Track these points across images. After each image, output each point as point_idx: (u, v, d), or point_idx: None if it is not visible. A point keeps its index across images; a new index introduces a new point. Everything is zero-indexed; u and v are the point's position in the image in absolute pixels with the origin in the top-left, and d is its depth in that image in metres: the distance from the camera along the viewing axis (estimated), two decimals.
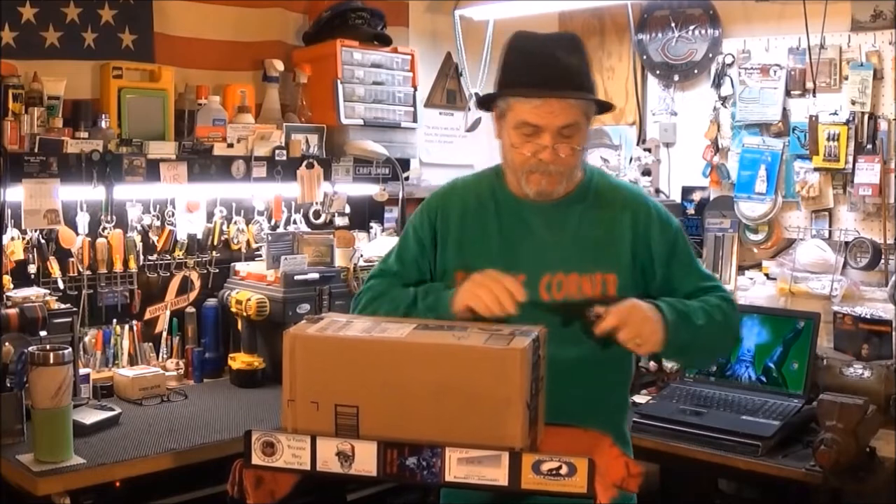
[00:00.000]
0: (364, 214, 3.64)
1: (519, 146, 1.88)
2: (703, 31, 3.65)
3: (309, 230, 3.42)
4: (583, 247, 1.93)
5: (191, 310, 3.21)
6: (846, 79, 3.26)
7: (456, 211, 2.01)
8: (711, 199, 3.65)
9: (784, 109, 3.42)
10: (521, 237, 1.96)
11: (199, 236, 3.22)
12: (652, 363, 3.12)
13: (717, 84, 3.60)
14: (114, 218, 2.98)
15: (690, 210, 3.71)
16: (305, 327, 1.69)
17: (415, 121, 3.64)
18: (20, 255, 2.81)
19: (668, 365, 3.08)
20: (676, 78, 3.74)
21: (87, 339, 2.94)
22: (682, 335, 1.84)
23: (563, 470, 1.53)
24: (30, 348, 2.36)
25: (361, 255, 3.27)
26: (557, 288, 1.91)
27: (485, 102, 1.99)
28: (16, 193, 2.71)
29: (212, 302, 3.21)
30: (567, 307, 1.88)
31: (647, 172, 3.76)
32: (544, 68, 1.84)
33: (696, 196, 3.71)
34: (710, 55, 3.62)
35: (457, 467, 1.56)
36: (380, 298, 1.99)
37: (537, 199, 1.93)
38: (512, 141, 1.89)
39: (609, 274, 1.92)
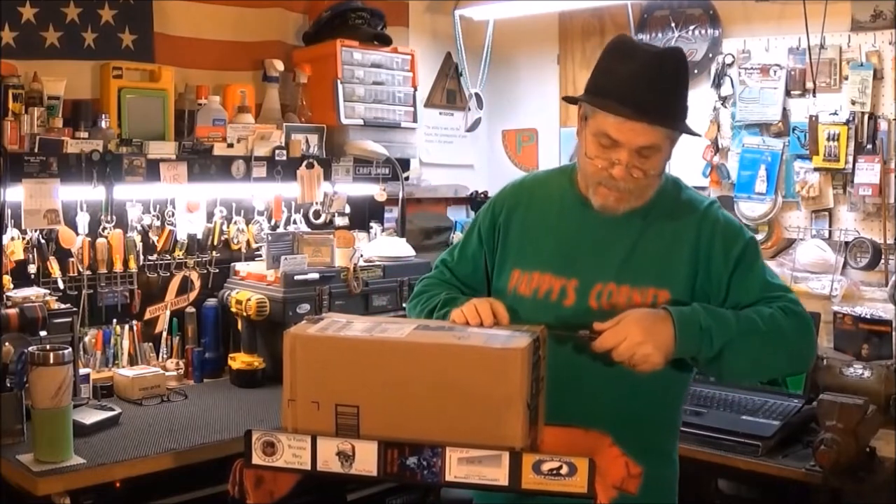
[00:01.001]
0: (364, 214, 3.64)
1: (594, 156, 1.81)
2: (703, 31, 3.64)
3: (309, 230, 3.42)
4: (639, 260, 1.87)
5: (191, 310, 3.21)
6: (846, 79, 3.26)
7: (521, 207, 1.98)
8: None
9: (784, 109, 3.42)
10: (579, 242, 1.91)
11: (199, 236, 3.22)
12: None
13: (717, 84, 3.60)
14: (114, 218, 2.99)
15: None
16: (306, 327, 1.69)
17: (415, 121, 3.64)
18: (20, 255, 2.81)
19: None
20: None
21: (87, 339, 2.94)
22: (702, 344, 1.74)
23: (564, 470, 1.53)
24: (30, 348, 2.36)
25: (361, 255, 3.28)
26: (608, 298, 1.85)
27: (573, 99, 1.91)
28: (16, 193, 2.72)
29: (212, 302, 3.21)
30: (613, 317, 1.79)
31: None
32: (639, 89, 1.74)
33: None
34: (710, 55, 3.62)
35: (457, 467, 1.56)
36: (417, 297, 2.04)
37: (601, 211, 1.87)
38: (588, 149, 1.82)
39: (662, 290, 1.84)
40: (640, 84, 1.75)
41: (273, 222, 3.40)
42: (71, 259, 2.93)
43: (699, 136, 1.94)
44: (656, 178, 1.84)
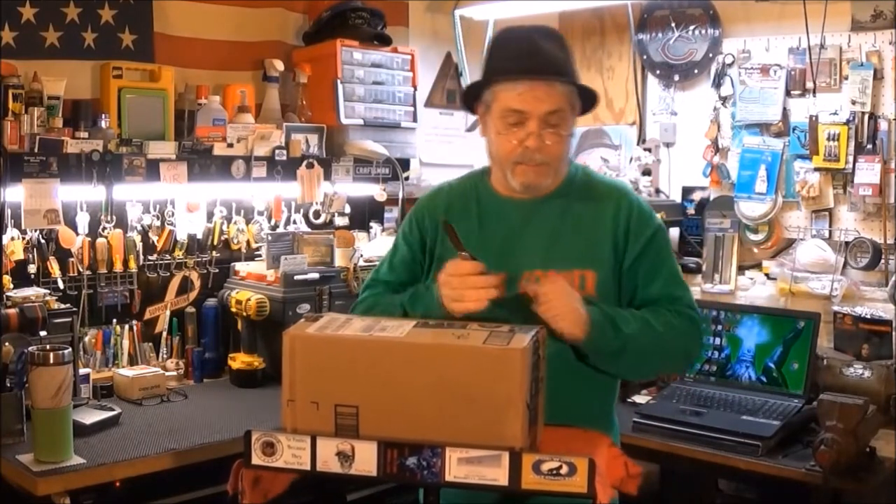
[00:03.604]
0: (364, 214, 3.64)
1: (505, 134, 1.87)
2: (703, 31, 3.64)
3: (309, 230, 3.42)
4: (562, 243, 1.93)
5: (191, 310, 3.21)
6: (846, 79, 3.26)
7: (440, 213, 2.01)
8: (711, 199, 3.65)
9: (784, 109, 3.42)
10: (501, 235, 1.96)
11: (199, 236, 3.22)
12: None
13: (717, 84, 3.60)
14: (114, 218, 2.99)
15: (690, 210, 3.71)
16: (304, 327, 1.69)
17: (415, 121, 3.64)
18: (20, 255, 2.81)
19: None
20: (676, 78, 3.74)
21: (87, 339, 2.94)
22: (608, 337, 1.81)
23: (564, 470, 1.53)
24: (30, 348, 2.36)
25: (361, 255, 3.27)
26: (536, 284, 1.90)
27: (469, 99, 1.98)
28: (16, 193, 2.71)
29: (212, 302, 3.21)
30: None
31: (647, 172, 3.76)
32: (528, 55, 1.85)
33: (697, 196, 3.70)
34: (710, 55, 3.62)
35: (457, 467, 1.56)
36: (372, 311, 2.00)
37: (524, 193, 1.93)
38: (497, 129, 1.89)
39: (588, 270, 1.91)
40: (528, 53, 1.86)
41: (273, 222, 3.40)
42: (71, 259, 2.93)
43: (598, 98, 1.98)
44: (567, 141, 1.91)
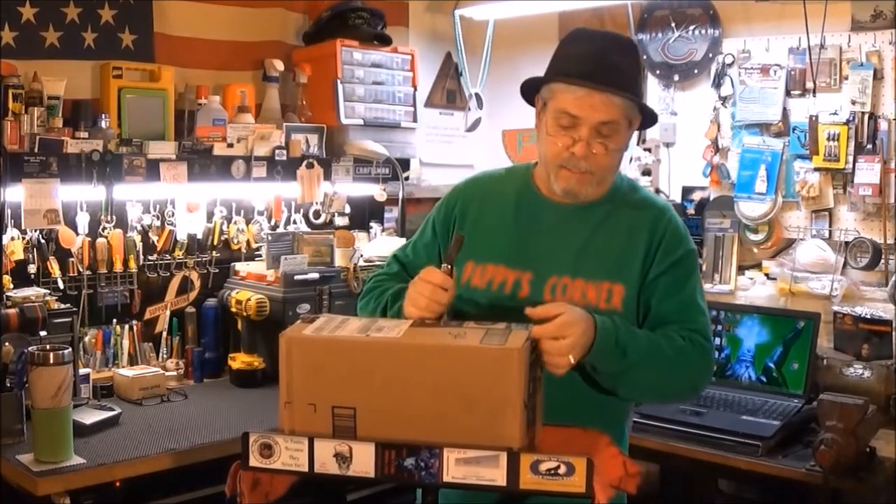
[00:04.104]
0: (364, 214, 3.64)
1: (554, 136, 1.84)
2: (703, 31, 3.64)
3: (309, 230, 3.42)
4: (595, 254, 1.89)
5: (191, 310, 3.21)
6: (846, 79, 3.25)
7: (476, 201, 1.99)
8: (711, 199, 3.64)
9: (784, 109, 3.41)
10: (534, 235, 1.92)
11: (199, 236, 3.22)
12: None
13: (717, 84, 3.60)
14: (114, 218, 2.99)
15: (690, 210, 3.70)
16: (301, 328, 1.69)
17: (415, 121, 3.64)
18: (20, 255, 2.81)
19: None
20: (676, 78, 3.74)
21: (87, 339, 2.95)
22: (613, 358, 1.75)
23: (562, 469, 1.52)
24: (30, 348, 2.36)
25: (361, 255, 3.28)
26: (562, 291, 1.87)
27: (528, 91, 1.94)
28: (16, 193, 2.72)
29: (212, 302, 3.21)
30: None
31: (647, 172, 3.76)
32: (594, 62, 1.80)
33: (696, 196, 3.70)
34: (710, 55, 3.62)
35: (455, 468, 1.55)
36: (369, 294, 2.01)
37: (564, 198, 1.89)
38: (549, 129, 1.85)
39: (616, 284, 1.86)
40: (595, 60, 1.81)
41: (273, 222, 3.40)
42: (71, 259, 2.94)
43: (655, 114, 1.94)
44: (617, 155, 1.87)
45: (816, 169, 3.33)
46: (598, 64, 1.80)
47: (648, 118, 1.91)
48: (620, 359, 1.76)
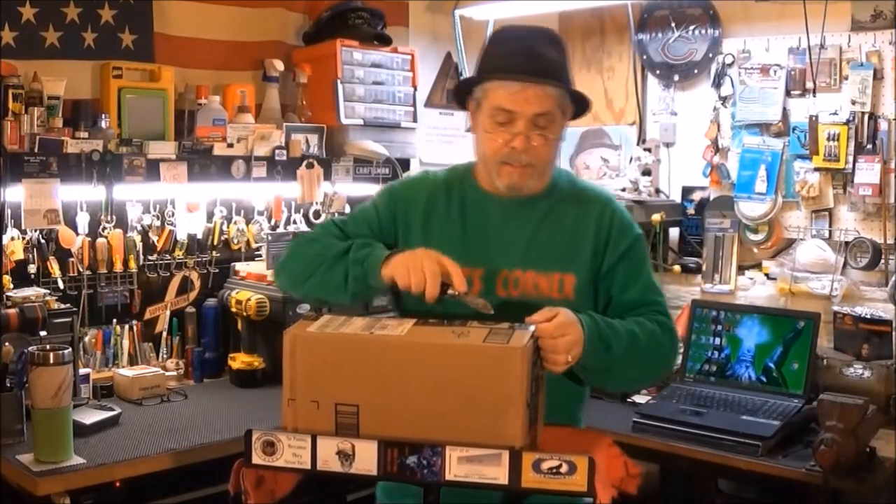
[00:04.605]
0: None
1: (492, 133, 1.87)
2: (703, 31, 3.64)
3: (309, 230, 3.42)
4: (543, 245, 1.92)
5: (191, 310, 3.21)
6: (846, 79, 3.26)
7: (421, 202, 2.00)
8: (711, 199, 3.64)
9: (784, 109, 3.42)
10: (481, 231, 1.95)
11: (199, 236, 3.22)
12: None
13: (717, 84, 3.60)
14: (114, 218, 2.99)
15: (690, 210, 3.71)
16: (305, 326, 1.69)
17: (415, 121, 3.64)
18: (20, 255, 2.81)
19: None
20: (676, 78, 3.74)
21: (87, 339, 2.94)
22: (599, 354, 1.77)
23: (564, 468, 1.53)
24: (30, 348, 2.36)
25: None
26: (514, 285, 1.90)
27: (461, 93, 1.98)
28: (16, 193, 2.72)
29: (212, 302, 3.21)
30: (521, 305, 1.83)
31: (647, 172, 3.76)
32: (523, 56, 1.85)
33: (696, 196, 3.70)
34: (710, 55, 3.62)
35: (457, 466, 1.56)
36: (314, 241, 1.99)
37: (507, 193, 1.92)
38: (485, 127, 1.89)
39: (567, 274, 1.90)
40: (524, 54, 1.85)
41: (273, 222, 3.40)
42: (71, 259, 2.93)
43: (590, 104, 1.96)
44: (555, 145, 1.91)
45: (816, 169, 3.33)
46: (528, 58, 1.85)
47: (581, 106, 1.94)
48: (605, 353, 1.79)
